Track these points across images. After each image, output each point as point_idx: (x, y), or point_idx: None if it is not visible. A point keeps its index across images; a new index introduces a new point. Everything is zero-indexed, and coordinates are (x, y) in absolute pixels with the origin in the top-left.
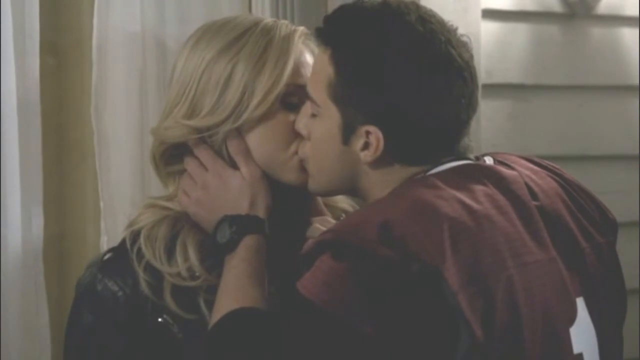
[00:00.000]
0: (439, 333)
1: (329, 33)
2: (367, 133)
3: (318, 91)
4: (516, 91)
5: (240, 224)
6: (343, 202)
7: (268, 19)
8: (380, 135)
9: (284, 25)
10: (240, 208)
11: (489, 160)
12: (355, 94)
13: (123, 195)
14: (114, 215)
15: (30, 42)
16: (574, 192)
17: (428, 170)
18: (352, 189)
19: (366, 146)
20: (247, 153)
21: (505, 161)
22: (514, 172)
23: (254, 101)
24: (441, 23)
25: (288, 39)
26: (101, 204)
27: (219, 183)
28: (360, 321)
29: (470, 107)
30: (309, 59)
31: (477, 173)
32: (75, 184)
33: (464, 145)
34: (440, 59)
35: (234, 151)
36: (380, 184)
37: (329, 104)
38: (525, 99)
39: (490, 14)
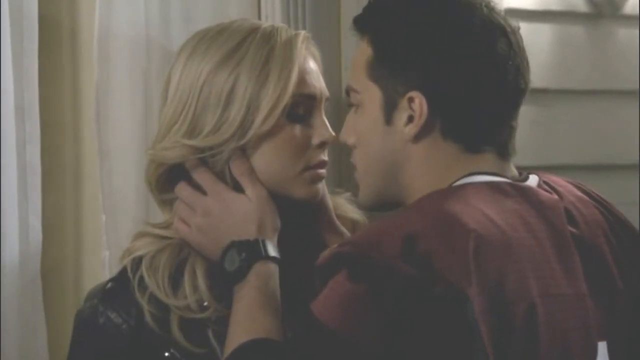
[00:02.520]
0: (460, 358)
1: (368, 19)
2: (410, 101)
3: (357, 77)
4: (539, 96)
5: (250, 250)
6: (354, 212)
7: (266, 24)
8: (423, 99)
9: (284, 30)
10: (248, 233)
11: (533, 179)
12: (393, 62)
13: (126, 207)
14: (116, 229)
15: (29, 43)
16: (619, 228)
17: (469, 155)
18: (396, 188)
19: (410, 120)
20: (251, 173)
21: (551, 183)
22: (554, 197)
23: (260, 116)
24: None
25: (290, 45)
26: (103, 216)
27: (222, 207)
28: (378, 346)
29: (519, 74)
30: (312, 65)
31: (513, 191)
32: (76, 195)
33: (508, 137)
34: (482, 19)
35: (238, 172)
36: (423, 169)
37: (369, 84)
38: (548, 104)
39: (513, 14)
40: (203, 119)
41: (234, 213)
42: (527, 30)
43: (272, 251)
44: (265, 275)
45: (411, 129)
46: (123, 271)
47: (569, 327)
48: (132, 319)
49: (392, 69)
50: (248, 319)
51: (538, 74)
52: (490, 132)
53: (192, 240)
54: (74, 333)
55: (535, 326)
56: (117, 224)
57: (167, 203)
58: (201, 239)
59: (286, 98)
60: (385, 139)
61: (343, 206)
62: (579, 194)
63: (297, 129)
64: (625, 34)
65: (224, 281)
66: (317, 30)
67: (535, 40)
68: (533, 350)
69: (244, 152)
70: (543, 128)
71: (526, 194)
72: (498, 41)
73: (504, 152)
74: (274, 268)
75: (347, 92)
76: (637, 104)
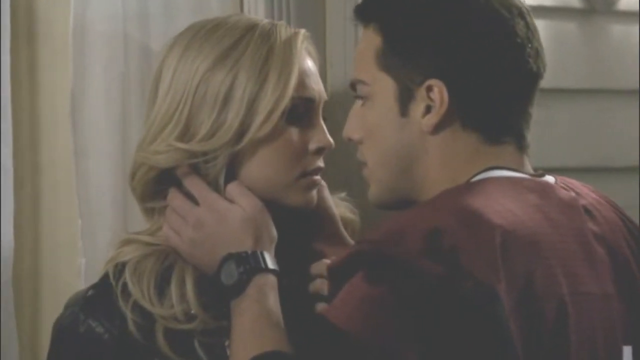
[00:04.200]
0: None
1: (374, 5)
2: (428, 90)
3: (365, 68)
4: None
5: (248, 263)
6: (347, 210)
7: (264, 21)
8: (444, 87)
9: (283, 27)
10: (245, 245)
11: (549, 178)
12: (407, 49)
13: (103, 211)
14: (93, 234)
15: (1, 39)
16: (637, 234)
17: (490, 145)
18: (410, 183)
19: (428, 110)
20: (241, 185)
21: (567, 183)
22: (572, 195)
23: (258, 119)
24: None
25: (290, 44)
26: (79, 221)
27: (216, 219)
28: (404, 350)
29: (538, 58)
30: (311, 66)
31: (534, 186)
32: (51, 199)
33: (525, 124)
34: (499, 1)
35: (232, 191)
36: (441, 162)
37: (381, 75)
38: (542, 103)
39: None
40: (198, 120)
41: (228, 224)
42: None
43: (271, 263)
44: (265, 288)
45: (430, 119)
46: (105, 278)
47: (596, 327)
48: (115, 328)
49: (406, 56)
50: (253, 333)
51: None
52: (510, 119)
53: (183, 251)
54: (52, 343)
55: (566, 326)
56: (94, 230)
57: (151, 211)
58: (193, 251)
59: (285, 101)
60: (401, 132)
61: (338, 206)
62: (596, 196)
63: (295, 134)
64: (619, 30)
65: (220, 295)
66: (300, 25)
67: None
68: (563, 351)
69: (237, 157)
70: (537, 128)
71: (545, 190)
72: (517, 23)
73: (522, 143)
74: (273, 280)
75: (353, 86)
76: (634, 103)
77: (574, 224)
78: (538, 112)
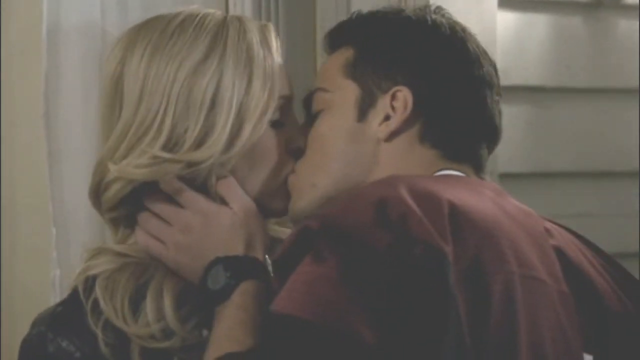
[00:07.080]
0: (443, 327)
1: (349, 28)
2: (393, 98)
3: (329, 77)
4: (534, 95)
5: (237, 268)
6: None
7: (228, 15)
8: (410, 94)
9: (250, 22)
10: (235, 249)
11: None
12: (379, 58)
13: (79, 219)
14: (68, 244)
15: None
16: (603, 258)
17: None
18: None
19: (387, 119)
20: (237, 186)
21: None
22: (529, 209)
23: (249, 125)
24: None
25: (266, 41)
26: (53, 230)
27: (204, 223)
28: (358, 325)
29: (501, 117)
30: (281, 62)
31: (490, 186)
32: (23, 204)
33: (484, 158)
34: (467, 38)
35: (225, 189)
36: (393, 172)
37: (346, 82)
38: (544, 103)
39: (507, 3)
40: (183, 127)
41: (219, 228)
42: (523, 22)
43: (262, 269)
44: (251, 295)
45: (389, 126)
46: (74, 293)
47: (546, 316)
48: (87, 347)
49: (378, 65)
50: (228, 339)
51: (534, 70)
52: (470, 143)
53: (168, 259)
54: None
55: (513, 305)
56: (69, 239)
57: (116, 220)
58: (180, 258)
59: (274, 101)
60: (353, 138)
61: None
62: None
63: (278, 135)
64: (627, 25)
65: (205, 301)
66: (290, 26)
67: (532, 32)
68: (511, 331)
69: (227, 163)
70: (539, 130)
71: (502, 193)
72: (489, 67)
73: (479, 172)
74: (261, 288)
75: (308, 102)
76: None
77: (530, 225)
78: (539, 112)
